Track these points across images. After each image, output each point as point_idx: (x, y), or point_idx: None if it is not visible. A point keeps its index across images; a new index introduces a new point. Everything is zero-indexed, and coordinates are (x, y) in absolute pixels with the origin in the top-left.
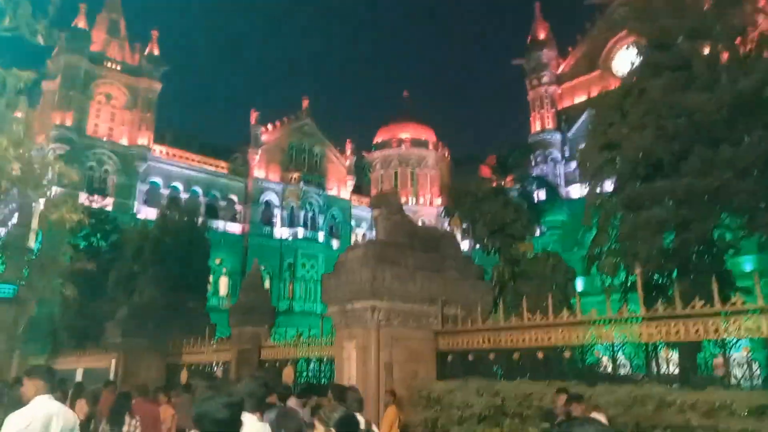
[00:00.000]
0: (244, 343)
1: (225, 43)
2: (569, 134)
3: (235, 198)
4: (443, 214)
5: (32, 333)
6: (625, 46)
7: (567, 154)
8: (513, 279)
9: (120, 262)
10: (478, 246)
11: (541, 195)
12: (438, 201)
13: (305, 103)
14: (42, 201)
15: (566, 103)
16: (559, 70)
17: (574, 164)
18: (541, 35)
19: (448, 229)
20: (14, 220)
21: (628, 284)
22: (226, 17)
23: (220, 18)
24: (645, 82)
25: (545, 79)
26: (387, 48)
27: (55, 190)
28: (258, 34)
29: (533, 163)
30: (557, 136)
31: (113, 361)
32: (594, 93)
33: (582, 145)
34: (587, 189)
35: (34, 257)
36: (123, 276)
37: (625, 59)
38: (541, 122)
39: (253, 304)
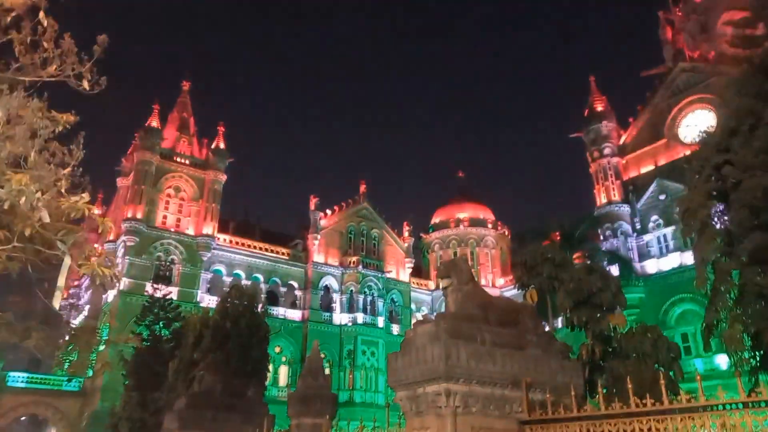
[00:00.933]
0: None
1: (284, 131)
2: (638, 206)
3: (295, 284)
4: (517, 287)
5: (95, 427)
6: (691, 112)
7: (638, 226)
8: (603, 357)
9: (181, 350)
10: (559, 322)
11: (613, 271)
12: (500, 281)
13: (362, 187)
14: (68, 258)
15: (632, 174)
16: (621, 141)
17: (647, 237)
18: (599, 107)
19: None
20: (86, 312)
21: (758, 359)
22: (283, 104)
23: (278, 105)
24: (753, 115)
25: (607, 151)
26: (440, 129)
27: (125, 281)
28: (315, 122)
29: (602, 238)
30: (626, 208)
31: None
32: (661, 162)
33: (654, 217)
34: (692, 248)
35: (100, 349)
36: (183, 364)
37: (691, 126)
38: (606, 194)
39: (314, 393)
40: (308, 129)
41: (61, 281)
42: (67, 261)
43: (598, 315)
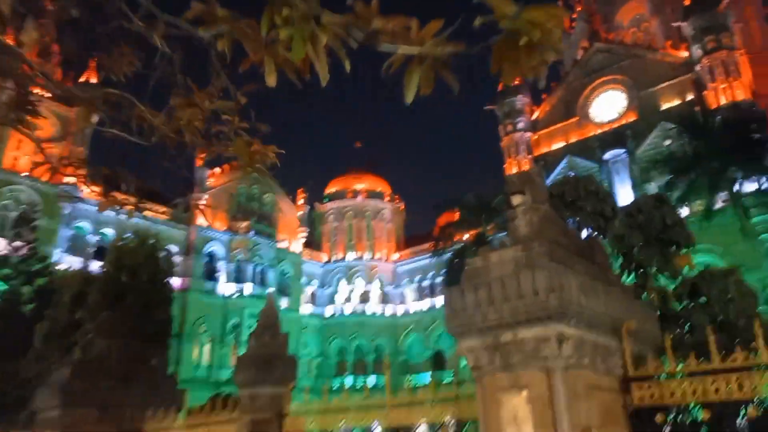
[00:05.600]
0: (258, 410)
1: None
2: (548, 181)
3: (175, 248)
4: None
5: None
6: (603, 92)
7: None
8: (672, 305)
9: (52, 310)
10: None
11: None
12: (395, 256)
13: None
14: None
15: (543, 150)
16: (534, 117)
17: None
18: (515, 81)
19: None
20: None
21: None
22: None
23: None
24: None
25: (520, 125)
26: (339, 99)
27: None
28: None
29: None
30: None
31: None
32: (572, 139)
33: None
34: None
35: None
36: (58, 327)
37: (603, 105)
38: (518, 169)
39: (274, 353)
40: (201, 75)
41: None
42: None
43: (670, 254)
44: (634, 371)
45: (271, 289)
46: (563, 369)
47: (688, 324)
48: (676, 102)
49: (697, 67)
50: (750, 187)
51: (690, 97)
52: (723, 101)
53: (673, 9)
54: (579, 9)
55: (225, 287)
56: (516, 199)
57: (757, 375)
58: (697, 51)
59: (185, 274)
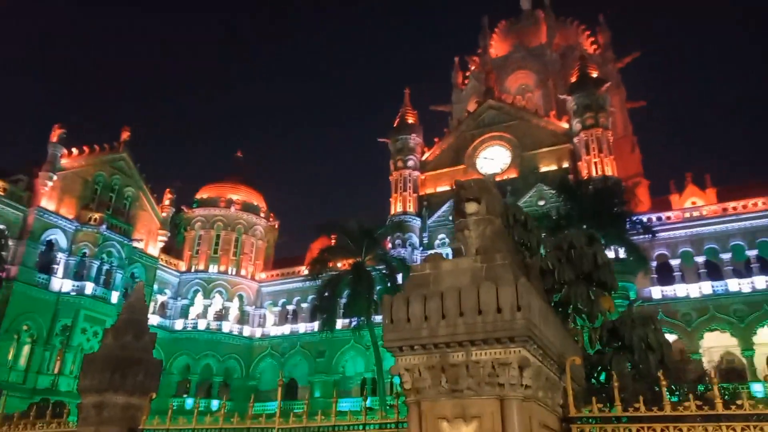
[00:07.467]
0: (105, 422)
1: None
2: (429, 221)
3: (5, 229)
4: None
5: None
6: (490, 146)
7: (426, 241)
8: (606, 346)
9: None
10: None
11: (399, 279)
12: (262, 275)
13: (125, 134)
14: None
15: (428, 190)
16: (424, 157)
17: (432, 252)
18: (410, 120)
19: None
20: None
21: None
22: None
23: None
24: None
25: (411, 163)
26: (224, 105)
27: None
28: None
29: (390, 246)
30: (417, 222)
31: None
32: None
33: (441, 235)
34: None
35: None
36: None
37: (488, 158)
38: (403, 205)
39: (136, 357)
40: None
41: None
42: None
43: (599, 294)
44: (576, 412)
45: (116, 294)
46: (521, 400)
47: (608, 368)
48: (554, 167)
49: (575, 139)
50: (609, 254)
51: (566, 164)
52: (594, 173)
53: (555, 85)
54: (473, 68)
55: (60, 283)
56: (470, 207)
57: (711, 426)
58: (576, 124)
59: (14, 261)
